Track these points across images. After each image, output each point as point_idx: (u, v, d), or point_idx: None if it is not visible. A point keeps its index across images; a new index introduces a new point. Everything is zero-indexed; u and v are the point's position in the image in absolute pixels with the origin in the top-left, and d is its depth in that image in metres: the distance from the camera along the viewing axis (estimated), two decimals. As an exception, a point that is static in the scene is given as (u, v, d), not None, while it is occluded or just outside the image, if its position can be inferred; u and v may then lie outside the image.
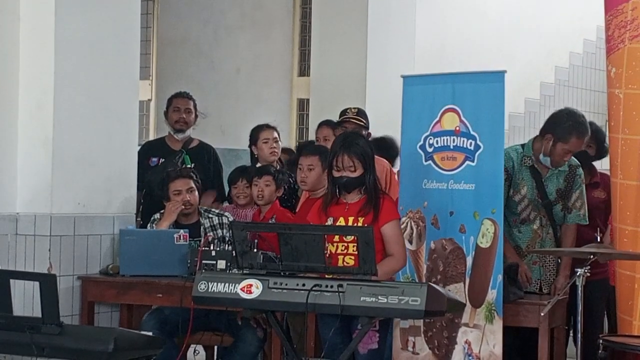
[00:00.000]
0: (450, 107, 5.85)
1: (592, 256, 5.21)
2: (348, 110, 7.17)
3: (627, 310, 5.71)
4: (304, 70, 10.04)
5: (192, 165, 7.07)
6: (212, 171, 7.22)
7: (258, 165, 7.05)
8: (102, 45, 6.58)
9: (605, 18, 5.88)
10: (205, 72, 9.98)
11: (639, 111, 5.62)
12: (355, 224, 5.40)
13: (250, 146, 7.24)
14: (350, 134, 5.72)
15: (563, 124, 6.01)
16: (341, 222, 5.45)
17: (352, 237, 5.26)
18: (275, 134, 7.23)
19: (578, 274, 5.13)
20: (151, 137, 9.65)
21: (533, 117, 10.64)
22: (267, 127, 7.27)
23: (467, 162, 5.78)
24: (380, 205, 5.43)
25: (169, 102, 7.38)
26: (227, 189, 7.22)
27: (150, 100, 9.95)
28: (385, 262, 5.36)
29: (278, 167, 7.07)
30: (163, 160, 7.17)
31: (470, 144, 5.77)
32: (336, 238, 5.38)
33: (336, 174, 5.47)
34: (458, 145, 5.82)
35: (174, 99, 7.37)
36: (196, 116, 7.35)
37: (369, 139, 6.45)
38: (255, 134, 7.23)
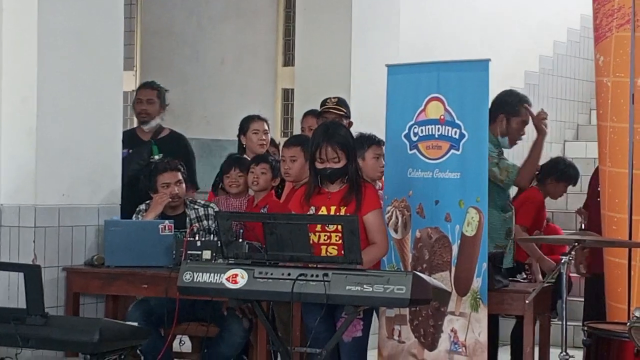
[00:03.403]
0: (434, 96, 5.86)
1: (577, 243, 5.23)
2: (328, 100, 7.17)
3: (616, 298, 5.73)
4: (288, 61, 10.01)
5: (161, 155, 7.02)
6: (182, 160, 7.14)
7: (245, 155, 7.04)
8: (86, 37, 6.56)
9: (593, 6, 5.89)
10: (190, 63, 9.95)
11: (627, 99, 5.64)
12: (338, 213, 5.41)
13: (239, 135, 7.23)
14: (330, 124, 5.72)
15: (507, 101, 6.39)
16: (323, 211, 5.46)
17: (335, 227, 5.27)
18: (266, 126, 7.23)
19: (563, 261, 5.14)
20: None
21: (518, 106, 10.64)
22: (259, 118, 7.26)
23: (452, 151, 5.79)
24: (362, 194, 5.44)
25: (135, 94, 7.34)
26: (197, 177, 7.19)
27: (134, 91, 9.89)
28: (368, 250, 5.38)
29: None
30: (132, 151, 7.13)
31: (455, 132, 5.78)
32: (318, 228, 5.39)
33: (320, 166, 5.47)
34: (443, 134, 5.83)
35: (138, 91, 7.33)
36: (162, 106, 7.29)
37: (350, 127, 6.45)
38: (245, 124, 7.21)
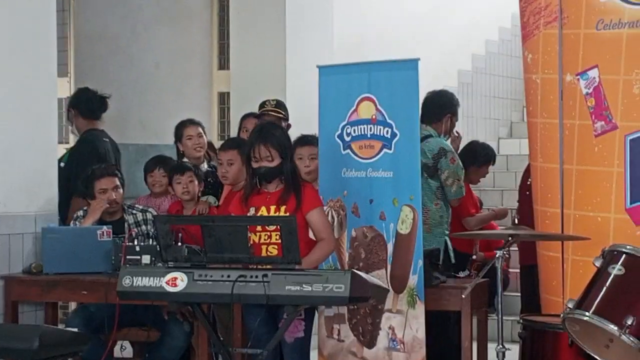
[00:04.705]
0: (366, 96, 5.93)
1: (510, 238, 5.32)
2: (267, 103, 7.20)
3: (550, 291, 5.82)
4: (223, 64, 10.02)
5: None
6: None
7: (185, 160, 7.04)
8: (18, 44, 6.52)
9: (519, 5, 5.98)
10: (124, 68, 9.90)
11: (556, 95, 5.72)
12: (277, 213, 5.45)
13: (175, 143, 7.24)
14: (266, 125, 5.77)
15: (451, 100, 6.73)
16: (263, 211, 5.50)
17: (275, 226, 5.31)
18: (199, 130, 7.23)
19: (497, 255, 5.22)
20: (71, 135, 9.58)
21: (452, 104, 10.76)
22: (191, 123, 7.26)
23: (385, 150, 5.86)
24: (302, 193, 5.50)
25: None
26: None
27: (69, 97, 9.85)
28: (318, 248, 5.46)
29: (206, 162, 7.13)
30: None
31: (387, 131, 5.85)
32: (259, 227, 5.43)
33: (255, 165, 5.52)
34: (375, 133, 5.90)
35: None
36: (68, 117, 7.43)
37: (289, 130, 6.50)
38: (179, 131, 7.22)
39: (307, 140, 6.33)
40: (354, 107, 5.96)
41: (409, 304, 5.74)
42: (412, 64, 5.76)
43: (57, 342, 5.16)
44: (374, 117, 5.88)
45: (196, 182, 6.67)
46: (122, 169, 7.01)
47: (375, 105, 5.88)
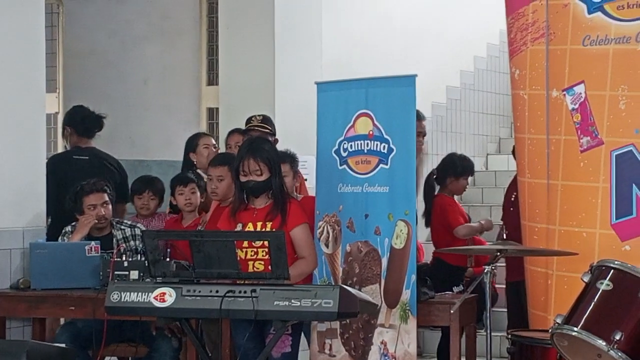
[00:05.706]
0: (363, 112, 5.96)
1: (499, 253, 5.32)
2: (253, 118, 7.23)
3: (538, 306, 5.82)
4: (212, 79, 10.05)
5: None
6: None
7: (199, 171, 7.07)
8: (7, 59, 6.53)
9: (507, 21, 6.01)
10: (113, 83, 9.92)
11: (544, 111, 5.75)
12: (264, 229, 5.45)
13: (187, 153, 7.25)
14: (255, 139, 5.79)
15: None
16: (250, 227, 5.50)
17: (262, 242, 5.31)
18: (214, 141, 7.34)
19: (485, 271, 5.22)
20: (59, 150, 9.58)
21: (440, 120, 10.78)
22: (205, 134, 7.47)
23: (381, 165, 5.89)
24: (287, 209, 5.50)
25: None
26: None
27: (57, 113, 9.84)
28: (297, 264, 5.43)
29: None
30: None
31: (384, 147, 5.87)
32: (245, 244, 5.42)
33: (243, 179, 5.53)
34: (372, 149, 5.93)
35: None
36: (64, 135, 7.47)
37: (276, 145, 6.51)
38: (194, 141, 7.30)
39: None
40: (351, 123, 5.99)
41: (402, 319, 5.74)
42: (409, 81, 5.81)
43: (44, 358, 5.14)
44: (371, 132, 5.91)
45: (198, 194, 6.69)
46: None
47: (373, 121, 5.91)
